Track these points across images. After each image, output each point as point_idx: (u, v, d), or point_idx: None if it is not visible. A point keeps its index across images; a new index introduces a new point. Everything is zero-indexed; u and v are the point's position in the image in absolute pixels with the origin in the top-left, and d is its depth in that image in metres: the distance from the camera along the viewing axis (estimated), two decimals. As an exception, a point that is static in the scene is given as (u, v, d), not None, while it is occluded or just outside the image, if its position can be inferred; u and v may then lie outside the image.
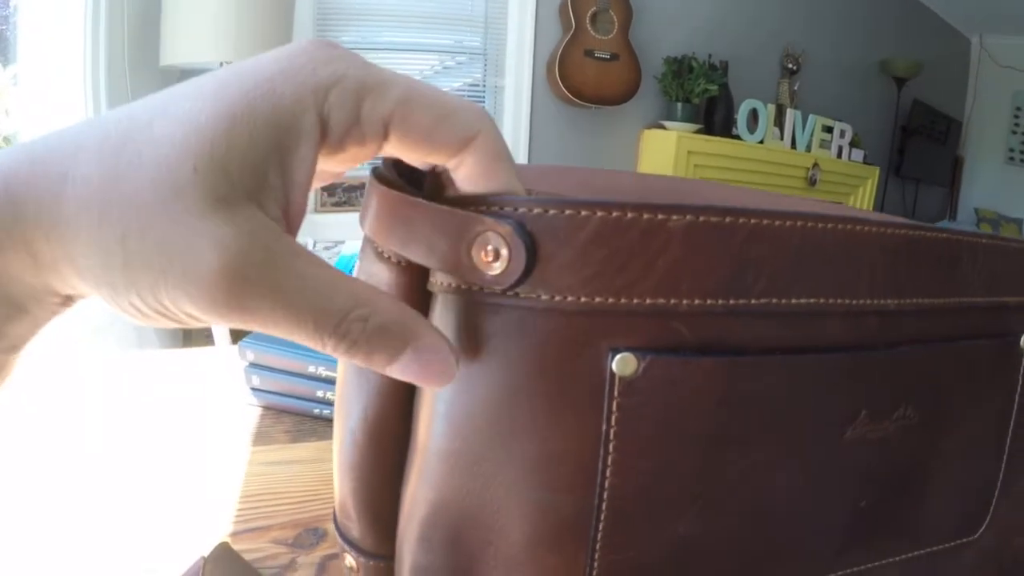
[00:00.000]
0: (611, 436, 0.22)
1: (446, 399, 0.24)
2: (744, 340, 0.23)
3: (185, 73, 2.26)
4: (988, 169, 5.78)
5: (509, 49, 2.97)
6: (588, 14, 2.87)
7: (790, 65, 3.83)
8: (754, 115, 3.28)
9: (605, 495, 0.23)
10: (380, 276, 0.26)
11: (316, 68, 0.20)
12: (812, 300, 0.23)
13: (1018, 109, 5.58)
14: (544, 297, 0.21)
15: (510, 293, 0.21)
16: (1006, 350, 0.31)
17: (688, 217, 0.21)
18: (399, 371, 0.21)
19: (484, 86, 3.05)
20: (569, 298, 0.21)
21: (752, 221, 0.21)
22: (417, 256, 0.23)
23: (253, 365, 0.67)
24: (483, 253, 0.21)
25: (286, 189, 0.21)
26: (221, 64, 1.95)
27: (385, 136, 0.21)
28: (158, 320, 0.20)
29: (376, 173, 0.24)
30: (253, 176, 0.20)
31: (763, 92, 3.58)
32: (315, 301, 0.20)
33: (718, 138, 3.21)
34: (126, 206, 0.19)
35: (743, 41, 3.59)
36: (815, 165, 3.57)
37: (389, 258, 0.25)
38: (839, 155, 3.80)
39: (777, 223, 0.22)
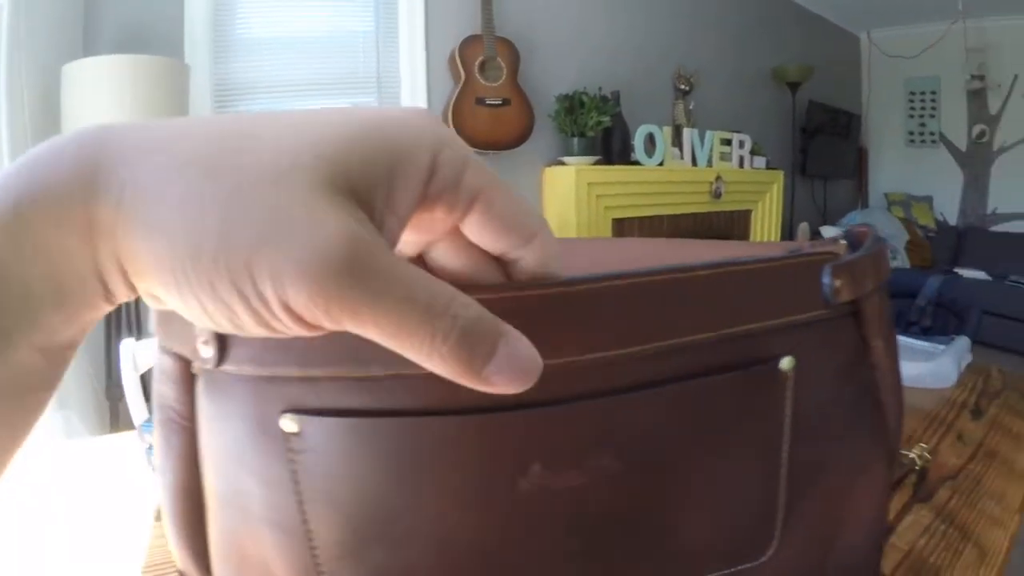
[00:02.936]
0: (298, 483, 0.27)
1: (205, 443, 0.30)
2: (402, 402, 0.26)
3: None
4: (892, 155, 6.04)
5: (404, 105, 3.00)
6: (476, 63, 2.93)
7: (682, 86, 3.96)
8: (651, 139, 3.37)
9: (311, 536, 0.28)
10: (164, 363, 0.31)
11: (436, 127, 0.22)
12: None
13: (911, 94, 5.83)
14: (233, 370, 0.27)
15: (218, 368, 0.28)
16: (765, 375, 0.30)
17: None
18: (496, 369, 0.20)
19: (385, 143, 3.06)
20: (247, 370, 0.27)
21: None
22: (179, 349, 0.29)
23: (152, 448, 0.72)
24: (200, 342, 0.27)
25: (384, 214, 0.21)
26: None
27: (468, 210, 0.23)
28: (224, 310, 0.19)
29: None
30: (367, 187, 0.20)
31: (659, 116, 3.71)
32: (422, 287, 0.19)
33: (617, 166, 3.28)
34: (237, 169, 0.18)
35: (633, 70, 3.71)
36: (718, 178, 3.69)
37: (167, 350, 0.31)
38: (741, 165, 3.92)
39: None
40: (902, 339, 1.38)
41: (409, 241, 0.27)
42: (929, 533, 0.72)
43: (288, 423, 0.26)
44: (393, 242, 0.22)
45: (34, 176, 0.19)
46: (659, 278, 0.27)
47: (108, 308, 0.21)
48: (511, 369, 0.20)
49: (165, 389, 0.32)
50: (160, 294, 0.20)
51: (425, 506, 0.27)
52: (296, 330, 0.19)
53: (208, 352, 0.27)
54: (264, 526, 0.29)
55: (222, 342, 0.27)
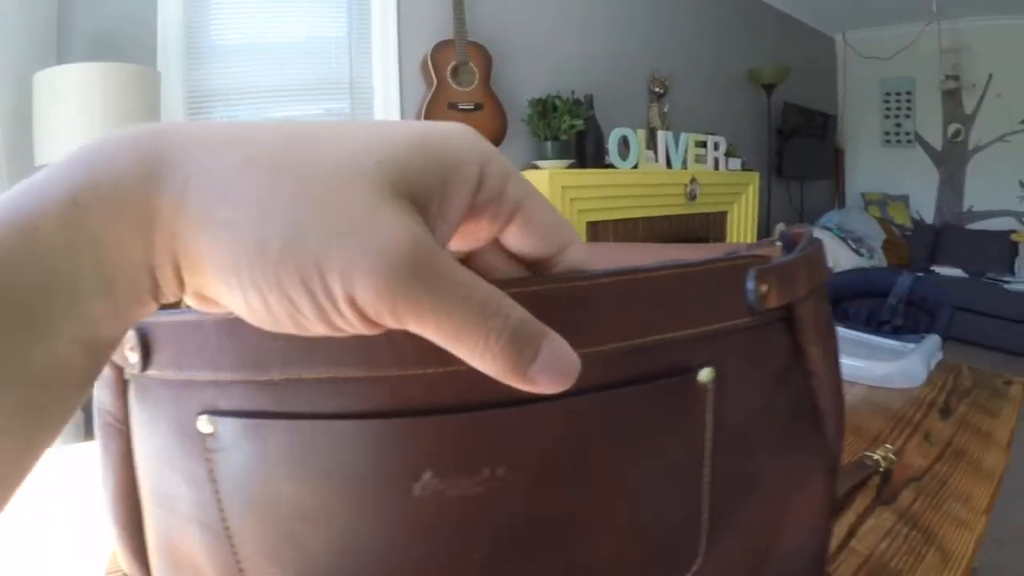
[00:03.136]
0: (216, 482, 0.28)
1: (137, 446, 0.31)
2: (298, 405, 0.27)
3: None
4: (868, 155, 6.11)
5: (376, 111, 3.01)
6: (448, 68, 2.93)
7: (657, 89, 3.97)
8: (625, 142, 3.37)
9: (231, 535, 0.28)
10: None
11: (482, 142, 0.24)
12: (331, 375, 0.26)
13: (887, 94, 5.91)
14: (157, 374, 0.28)
15: (143, 372, 0.29)
16: (681, 388, 0.29)
17: (221, 316, 0.26)
18: (539, 370, 0.21)
19: (358, 149, 3.05)
20: (169, 374, 0.28)
21: None
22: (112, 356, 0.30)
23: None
24: (127, 349, 0.29)
25: (437, 221, 0.22)
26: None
27: (510, 220, 0.25)
28: (288, 307, 0.19)
29: None
30: (423, 194, 0.21)
31: (633, 119, 3.72)
32: (477, 289, 0.20)
33: (591, 170, 3.27)
34: (303, 170, 0.19)
35: (607, 73, 3.71)
36: (692, 180, 3.69)
37: None
38: (716, 167, 3.93)
39: None
40: (872, 338, 1.37)
41: (452, 250, 0.27)
42: (891, 537, 0.70)
43: (204, 424, 0.27)
44: (443, 245, 0.23)
45: (92, 166, 0.19)
46: (558, 287, 0.26)
47: (154, 306, 0.21)
48: (553, 370, 0.21)
49: (102, 395, 0.33)
50: (216, 291, 0.20)
51: (327, 510, 0.27)
52: (358, 327, 0.20)
53: (134, 358, 0.28)
54: (192, 525, 0.29)
55: (146, 348, 0.28)
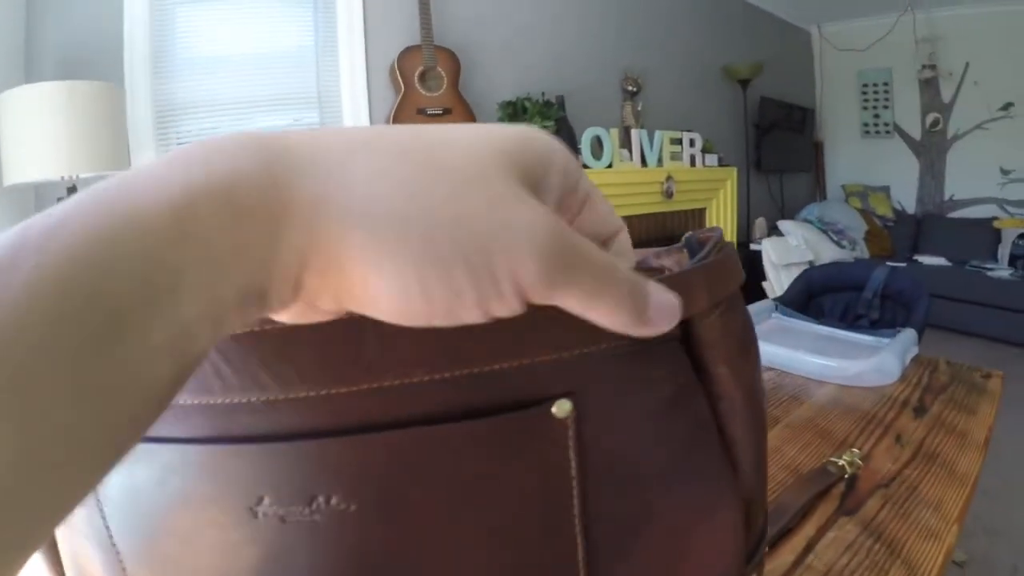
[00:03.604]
0: (99, 501, 0.28)
1: None
2: (166, 431, 0.26)
3: (39, 187, 2.18)
4: (847, 147, 6.14)
5: (345, 120, 2.98)
6: (416, 74, 2.90)
7: (630, 87, 3.95)
8: (599, 142, 3.34)
9: (119, 553, 0.29)
10: None
11: (557, 141, 0.25)
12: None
13: (864, 86, 5.93)
14: None
15: None
16: (532, 422, 0.26)
17: None
18: (653, 313, 0.23)
19: (328, 159, 3.02)
20: None
21: None
22: None
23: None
24: None
25: None
26: (63, 178, 1.90)
27: (581, 210, 0.27)
28: (445, 289, 0.20)
29: None
30: (533, 184, 0.23)
31: (608, 118, 3.68)
32: (600, 252, 0.22)
33: None
34: (445, 164, 0.21)
35: (579, 73, 3.69)
36: (669, 178, 3.67)
37: None
38: (692, 163, 3.92)
39: None
40: (845, 334, 1.34)
41: None
42: (852, 551, 0.67)
43: None
44: None
45: (210, 161, 0.18)
46: None
47: (255, 313, 0.20)
48: (663, 309, 0.24)
49: None
50: (361, 287, 0.20)
51: (195, 531, 0.27)
52: (511, 305, 0.21)
53: None
54: (89, 543, 0.29)
55: None
